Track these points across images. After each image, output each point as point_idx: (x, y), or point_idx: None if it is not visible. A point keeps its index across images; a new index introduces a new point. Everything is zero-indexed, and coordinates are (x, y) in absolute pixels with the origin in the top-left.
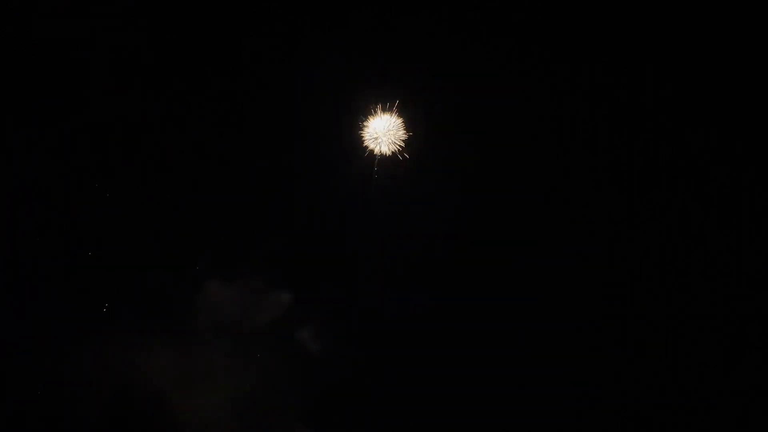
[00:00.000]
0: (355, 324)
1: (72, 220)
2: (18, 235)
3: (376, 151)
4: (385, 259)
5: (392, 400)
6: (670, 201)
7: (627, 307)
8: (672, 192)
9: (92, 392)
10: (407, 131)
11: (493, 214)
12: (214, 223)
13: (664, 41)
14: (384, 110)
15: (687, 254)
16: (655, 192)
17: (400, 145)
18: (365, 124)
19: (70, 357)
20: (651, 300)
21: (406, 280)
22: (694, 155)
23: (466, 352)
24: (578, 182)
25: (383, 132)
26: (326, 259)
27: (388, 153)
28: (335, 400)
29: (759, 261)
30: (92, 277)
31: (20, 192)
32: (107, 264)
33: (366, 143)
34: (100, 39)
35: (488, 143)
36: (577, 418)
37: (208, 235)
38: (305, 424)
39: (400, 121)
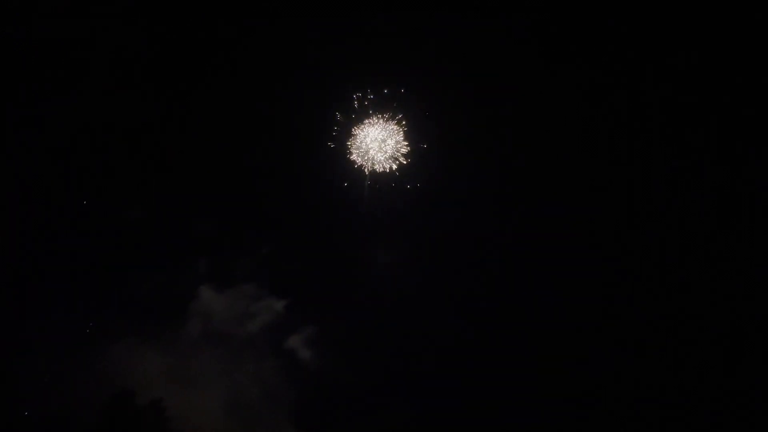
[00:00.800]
0: (347, 331)
1: (68, 224)
2: (15, 237)
3: (368, 168)
4: (377, 266)
5: (384, 404)
6: (670, 201)
7: (629, 307)
8: (672, 192)
9: (87, 395)
10: (407, 143)
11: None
12: (209, 230)
13: (664, 41)
14: (377, 116)
15: (688, 254)
16: (655, 192)
17: (398, 160)
18: (354, 132)
19: (64, 361)
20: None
21: (399, 287)
22: (694, 155)
23: (458, 357)
24: (592, 186)
25: (376, 143)
26: (319, 267)
27: (385, 169)
28: (328, 405)
29: (759, 261)
30: (87, 283)
31: (19, 193)
32: (101, 269)
33: (354, 158)
34: (100, 39)
35: (505, 151)
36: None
37: (203, 242)
38: (298, 428)
39: (398, 129)
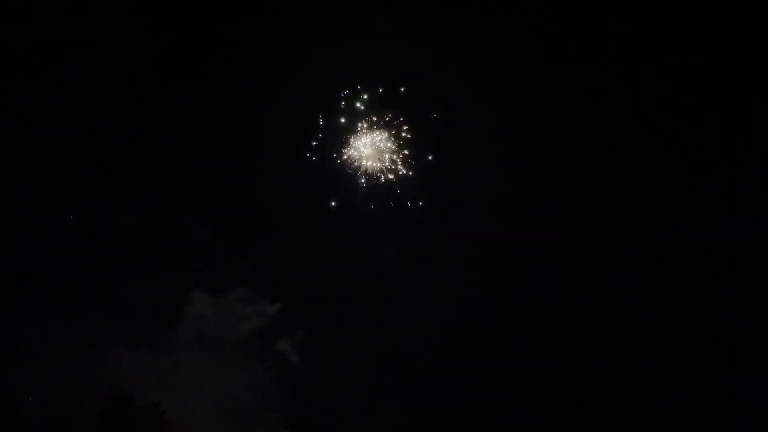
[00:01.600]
0: (341, 334)
1: (65, 227)
2: (10, 240)
3: (362, 179)
4: (372, 268)
5: (379, 406)
6: (670, 201)
7: (629, 307)
8: (672, 192)
9: (85, 398)
10: (403, 151)
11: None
12: (203, 235)
13: (664, 41)
14: (370, 124)
15: (687, 254)
16: (655, 192)
17: (395, 169)
18: (348, 140)
19: (61, 365)
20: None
21: (394, 288)
22: (694, 155)
23: (454, 359)
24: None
25: (370, 149)
26: (313, 270)
27: (380, 178)
28: (323, 407)
29: (759, 261)
30: (83, 287)
31: (15, 195)
32: (97, 273)
33: (349, 168)
34: (100, 39)
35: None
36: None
37: (198, 246)
38: (294, 430)
39: (395, 139)
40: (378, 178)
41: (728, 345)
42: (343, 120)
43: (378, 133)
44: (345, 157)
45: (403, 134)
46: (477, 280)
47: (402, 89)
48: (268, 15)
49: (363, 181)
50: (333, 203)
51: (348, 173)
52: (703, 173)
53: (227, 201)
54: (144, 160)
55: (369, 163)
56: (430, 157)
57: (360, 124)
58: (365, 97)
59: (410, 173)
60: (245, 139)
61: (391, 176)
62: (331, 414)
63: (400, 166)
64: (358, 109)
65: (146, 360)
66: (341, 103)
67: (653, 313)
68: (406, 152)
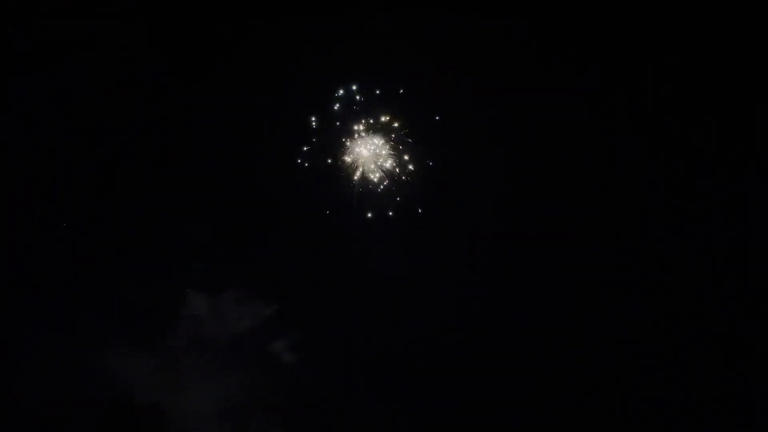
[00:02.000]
0: (341, 335)
1: (66, 226)
2: (7, 240)
3: (359, 181)
4: (370, 269)
5: (378, 407)
6: (671, 201)
7: (629, 308)
8: (672, 192)
9: (84, 399)
10: (399, 154)
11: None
12: (202, 235)
13: (664, 41)
14: (367, 129)
15: (688, 254)
16: (656, 192)
17: (390, 172)
18: (346, 144)
19: (60, 366)
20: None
21: (393, 289)
22: (694, 155)
23: (454, 359)
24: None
25: (367, 152)
26: (312, 270)
27: (378, 181)
28: (318, 408)
29: (758, 261)
30: (81, 287)
31: (14, 195)
32: (95, 273)
33: (346, 173)
34: (101, 39)
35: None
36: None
37: (197, 247)
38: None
39: (392, 142)
40: (375, 182)
41: (728, 345)
42: (338, 123)
43: (376, 136)
44: (341, 160)
45: (402, 137)
46: (477, 281)
47: (401, 90)
48: (267, 15)
49: (359, 182)
50: (328, 211)
51: (345, 177)
52: (703, 173)
53: (227, 202)
54: (144, 160)
55: (366, 167)
56: (430, 163)
57: (357, 127)
58: (363, 98)
59: (409, 178)
60: (245, 140)
61: (387, 181)
62: (329, 414)
63: (398, 171)
64: (356, 111)
65: (146, 360)
66: (337, 105)
67: (653, 313)
68: (405, 156)
